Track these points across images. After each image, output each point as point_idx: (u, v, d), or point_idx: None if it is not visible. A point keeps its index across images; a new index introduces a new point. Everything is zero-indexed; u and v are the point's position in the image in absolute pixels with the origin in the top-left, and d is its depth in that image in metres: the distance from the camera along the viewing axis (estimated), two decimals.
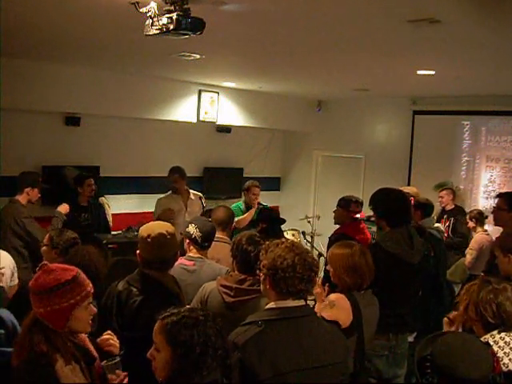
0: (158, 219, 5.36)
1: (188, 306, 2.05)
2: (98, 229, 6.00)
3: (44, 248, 3.36)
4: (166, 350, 1.84)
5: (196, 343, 1.81)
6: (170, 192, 6.15)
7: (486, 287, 2.25)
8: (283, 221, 5.29)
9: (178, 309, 1.93)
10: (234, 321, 2.31)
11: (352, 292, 2.87)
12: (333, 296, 2.86)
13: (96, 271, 2.79)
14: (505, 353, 2.06)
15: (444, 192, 6.63)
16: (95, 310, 2.15)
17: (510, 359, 2.04)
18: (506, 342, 2.09)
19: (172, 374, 1.84)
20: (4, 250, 4.54)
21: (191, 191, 6.19)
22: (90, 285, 2.12)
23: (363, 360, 2.87)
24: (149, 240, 2.65)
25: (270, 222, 4.97)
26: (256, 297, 2.70)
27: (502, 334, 2.13)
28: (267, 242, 2.32)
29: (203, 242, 3.38)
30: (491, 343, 2.08)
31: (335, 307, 2.75)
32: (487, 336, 2.15)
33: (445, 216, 6.47)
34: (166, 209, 5.75)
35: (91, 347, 2.17)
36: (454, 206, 6.59)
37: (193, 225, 3.42)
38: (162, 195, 6.26)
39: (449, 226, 6.32)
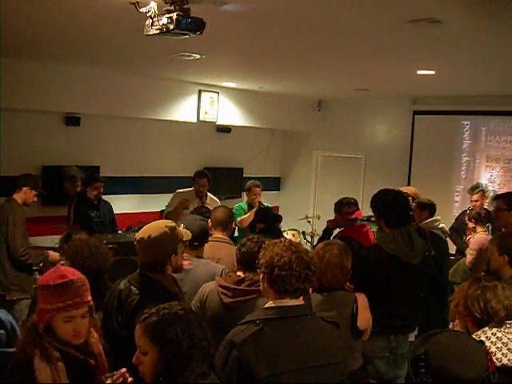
0: (168, 213, 5.33)
1: (174, 303, 2.03)
2: (111, 228, 6.01)
3: None
4: (153, 351, 1.85)
5: (182, 338, 1.83)
6: (190, 189, 5.93)
7: (475, 284, 2.31)
8: (280, 218, 5.19)
9: (155, 308, 1.93)
10: (232, 321, 2.31)
11: (310, 293, 2.77)
12: None
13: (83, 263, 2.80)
14: (497, 347, 2.11)
15: (478, 195, 6.25)
16: None
17: (502, 354, 2.08)
18: (497, 337, 2.14)
19: (162, 373, 1.84)
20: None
21: (209, 195, 5.97)
22: None
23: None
24: (142, 244, 2.64)
25: (267, 221, 4.93)
26: (255, 297, 2.70)
27: (494, 330, 2.17)
28: (266, 242, 2.33)
29: (192, 242, 3.24)
30: (483, 339, 2.12)
31: None
32: (479, 332, 2.19)
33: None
34: (181, 200, 5.60)
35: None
36: (486, 211, 6.14)
37: (182, 226, 3.36)
38: (160, 195, 6.23)
39: (486, 231, 5.94)
